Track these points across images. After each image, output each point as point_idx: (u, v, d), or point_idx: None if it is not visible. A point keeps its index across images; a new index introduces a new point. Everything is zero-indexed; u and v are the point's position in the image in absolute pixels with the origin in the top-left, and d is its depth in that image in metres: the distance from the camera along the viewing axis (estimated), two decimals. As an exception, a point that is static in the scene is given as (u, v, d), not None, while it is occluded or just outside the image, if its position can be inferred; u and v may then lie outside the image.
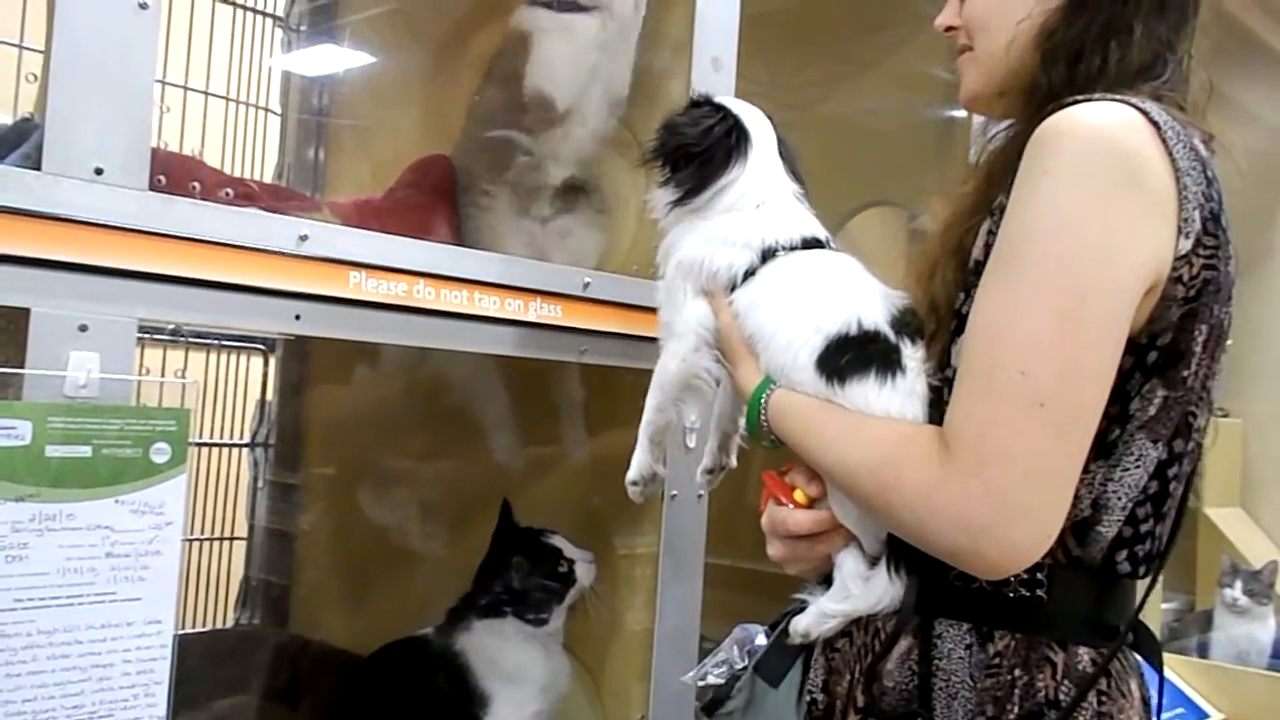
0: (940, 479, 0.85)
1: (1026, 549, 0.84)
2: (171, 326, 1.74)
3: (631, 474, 1.12)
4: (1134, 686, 0.94)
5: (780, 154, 1.10)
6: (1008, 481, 0.82)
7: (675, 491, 1.43)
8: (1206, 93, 0.98)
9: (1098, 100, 0.88)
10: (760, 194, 1.06)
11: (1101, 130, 0.85)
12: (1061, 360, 0.83)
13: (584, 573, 1.50)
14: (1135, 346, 0.87)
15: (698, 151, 1.06)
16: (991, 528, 0.83)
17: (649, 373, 1.11)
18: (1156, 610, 2.39)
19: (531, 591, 1.47)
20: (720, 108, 1.10)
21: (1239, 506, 2.97)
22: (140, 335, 0.96)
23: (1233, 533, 2.81)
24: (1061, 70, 0.95)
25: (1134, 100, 0.88)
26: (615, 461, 1.15)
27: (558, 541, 1.51)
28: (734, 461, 1.15)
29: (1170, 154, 0.85)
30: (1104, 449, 0.89)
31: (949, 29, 1.07)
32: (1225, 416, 2.94)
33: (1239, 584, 2.44)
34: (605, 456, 1.18)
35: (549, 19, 1.46)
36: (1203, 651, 2.49)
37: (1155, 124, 0.86)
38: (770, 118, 1.12)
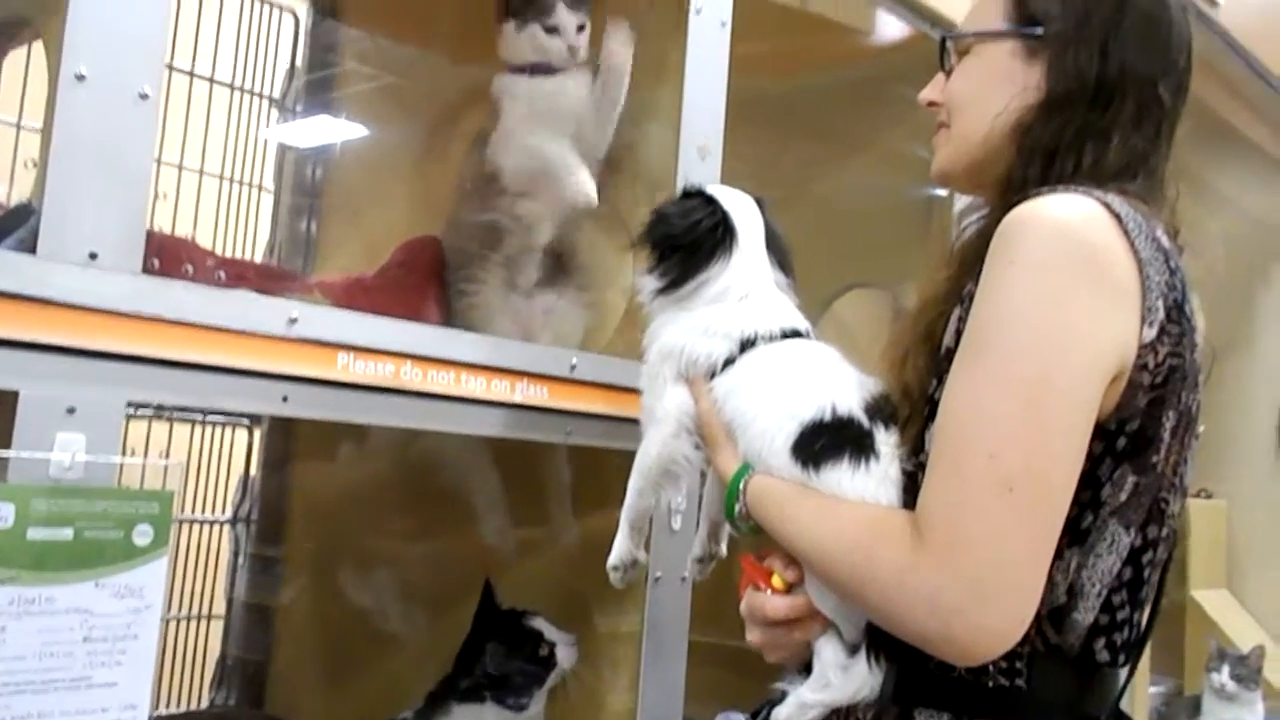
0: (912, 563, 0.85)
1: (999, 633, 0.84)
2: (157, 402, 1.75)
3: (612, 559, 1.13)
4: (1115, 776, 0.94)
5: (768, 244, 1.11)
6: (978, 565, 0.83)
7: (659, 574, 1.43)
8: (1176, 193, 1.01)
9: (1061, 192, 0.91)
10: (744, 288, 1.08)
11: (1065, 223, 0.88)
12: (1029, 444, 0.84)
13: (565, 656, 1.48)
14: (1104, 433, 0.88)
15: (683, 244, 1.08)
16: (963, 611, 0.83)
17: (635, 454, 1.11)
18: (1143, 695, 2.37)
19: (511, 675, 1.45)
20: (710, 201, 1.11)
21: (1225, 589, 2.96)
22: (125, 410, 0.96)
23: (1220, 616, 2.79)
24: (1038, 167, 0.97)
25: (1096, 193, 0.91)
26: (600, 541, 1.14)
27: (539, 624, 1.49)
28: (724, 550, 1.15)
29: (1133, 245, 0.88)
30: (1077, 535, 0.90)
31: (931, 104, 1.10)
32: (1209, 498, 2.94)
33: (1226, 669, 2.41)
34: (590, 536, 1.17)
35: (515, 84, 1.47)
36: (1192, 737, 2.47)
37: (1117, 216, 0.89)
38: (761, 201, 1.14)
